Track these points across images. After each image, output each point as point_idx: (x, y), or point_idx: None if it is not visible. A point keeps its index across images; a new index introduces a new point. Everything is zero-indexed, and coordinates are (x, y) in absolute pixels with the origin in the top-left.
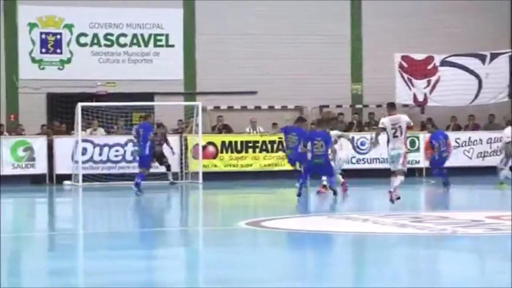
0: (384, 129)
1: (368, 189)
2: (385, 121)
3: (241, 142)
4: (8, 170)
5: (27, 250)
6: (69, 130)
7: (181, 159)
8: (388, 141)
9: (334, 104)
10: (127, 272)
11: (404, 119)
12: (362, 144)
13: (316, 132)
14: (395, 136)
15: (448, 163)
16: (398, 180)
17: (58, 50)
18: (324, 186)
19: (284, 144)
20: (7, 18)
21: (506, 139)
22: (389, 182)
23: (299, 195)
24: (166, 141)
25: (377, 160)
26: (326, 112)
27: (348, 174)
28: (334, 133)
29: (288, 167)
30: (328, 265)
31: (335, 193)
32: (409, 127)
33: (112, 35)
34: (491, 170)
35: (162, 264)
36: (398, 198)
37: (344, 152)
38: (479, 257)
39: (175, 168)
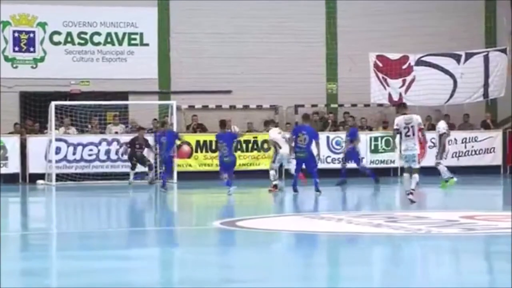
0: (398, 131)
1: (341, 189)
2: (398, 121)
3: (216, 141)
4: None
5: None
6: (42, 129)
7: (155, 158)
8: (400, 142)
9: (309, 103)
10: (100, 273)
11: (416, 119)
12: (337, 143)
13: (303, 127)
14: (407, 136)
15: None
16: (414, 180)
17: (31, 49)
18: (275, 186)
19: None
20: None
21: (442, 130)
22: (360, 181)
23: (295, 190)
24: (148, 145)
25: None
26: None
27: (323, 173)
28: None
29: (263, 166)
30: (303, 265)
31: (318, 190)
32: (420, 129)
33: (86, 33)
34: (467, 170)
35: (135, 265)
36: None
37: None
38: (454, 257)
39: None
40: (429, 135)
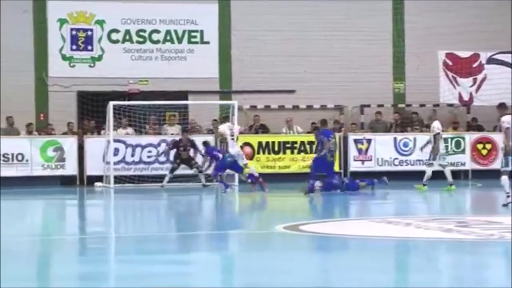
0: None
1: (411, 192)
2: (507, 118)
3: (279, 142)
4: (37, 171)
5: (58, 254)
6: (99, 129)
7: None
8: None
9: (375, 103)
10: (161, 277)
11: None
12: (405, 145)
13: (329, 131)
14: None
15: (493, 165)
16: None
17: (89, 47)
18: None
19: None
20: (37, 14)
21: (437, 130)
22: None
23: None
24: (193, 146)
25: (421, 162)
26: None
27: (390, 176)
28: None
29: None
30: (370, 271)
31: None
32: None
33: (144, 31)
34: None
35: (197, 269)
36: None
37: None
38: None
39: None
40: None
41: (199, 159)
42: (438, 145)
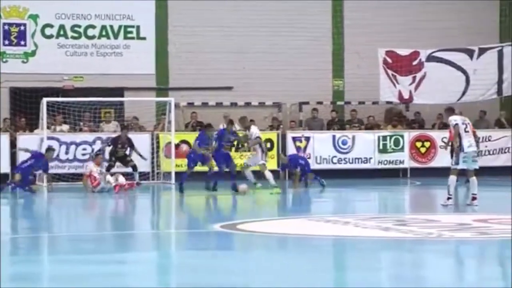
0: (458, 126)
1: (349, 191)
2: (456, 118)
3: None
4: None
5: None
6: (33, 126)
7: (152, 158)
8: (460, 138)
9: (314, 100)
10: (95, 277)
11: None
12: (344, 142)
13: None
14: (466, 131)
15: (432, 163)
16: (475, 181)
17: (22, 42)
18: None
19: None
20: None
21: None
22: (369, 183)
23: None
24: (132, 146)
25: (359, 160)
26: None
27: (329, 174)
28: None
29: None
30: (308, 271)
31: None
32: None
33: (79, 26)
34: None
35: (132, 269)
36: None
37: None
38: (466, 262)
39: (146, 168)
40: (440, 134)
41: (135, 157)
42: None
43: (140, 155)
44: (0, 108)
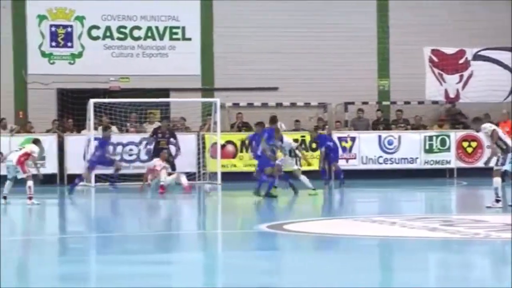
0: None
1: (395, 191)
2: (489, 124)
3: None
4: None
5: (38, 254)
6: (80, 127)
7: (198, 158)
8: (501, 140)
9: (359, 100)
10: (142, 278)
11: None
12: (390, 143)
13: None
14: (504, 134)
15: (479, 163)
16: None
17: (69, 44)
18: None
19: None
20: (16, 10)
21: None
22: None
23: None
24: (173, 136)
25: (405, 160)
26: None
27: (375, 174)
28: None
29: (312, 166)
30: (355, 271)
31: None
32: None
33: (125, 27)
34: None
35: (178, 269)
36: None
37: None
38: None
39: (192, 168)
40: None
41: (173, 150)
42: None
43: (178, 147)
44: (48, 109)
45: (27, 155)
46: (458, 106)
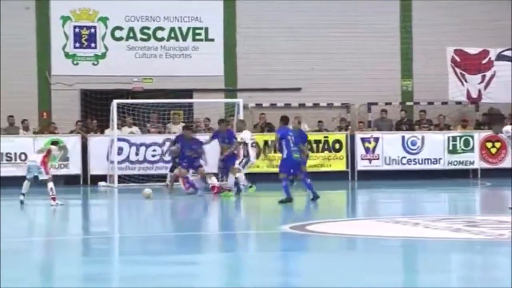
0: None
1: (418, 191)
2: (508, 128)
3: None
4: None
5: (61, 255)
6: (103, 128)
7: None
8: None
9: (383, 101)
10: (167, 278)
11: None
12: (413, 143)
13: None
14: None
15: (502, 164)
16: None
17: (93, 45)
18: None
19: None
20: (39, 11)
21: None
22: (439, 184)
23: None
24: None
25: (428, 161)
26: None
27: (398, 175)
28: None
29: (335, 167)
30: (378, 272)
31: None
32: None
33: (148, 28)
34: None
35: (201, 270)
36: None
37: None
38: None
39: (214, 168)
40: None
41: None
42: None
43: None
44: (71, 110)
45: (49, 152)
46: (481, 107)
